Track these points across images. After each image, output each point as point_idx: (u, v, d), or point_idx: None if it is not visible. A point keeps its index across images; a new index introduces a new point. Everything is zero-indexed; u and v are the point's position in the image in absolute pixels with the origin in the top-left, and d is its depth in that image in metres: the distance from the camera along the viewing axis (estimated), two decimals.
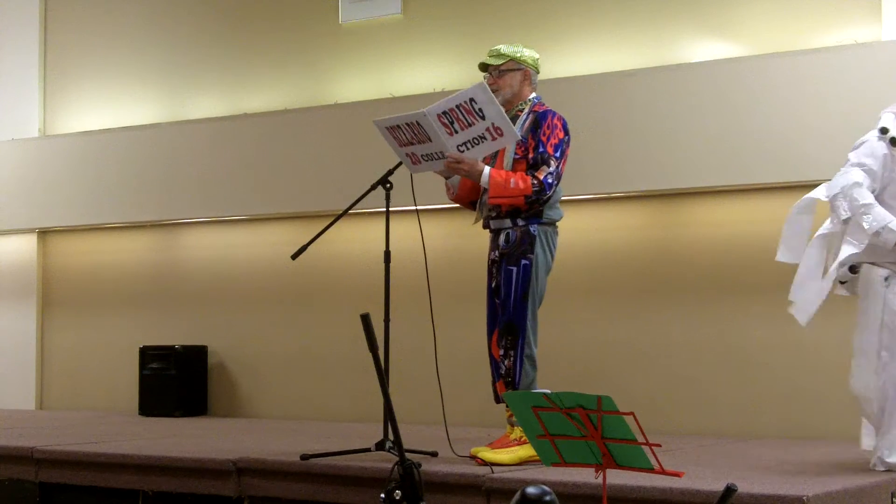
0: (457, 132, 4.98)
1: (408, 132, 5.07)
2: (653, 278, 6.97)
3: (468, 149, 5.03)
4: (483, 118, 4.92)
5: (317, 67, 8.19)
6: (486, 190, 5.14)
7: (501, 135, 4.97)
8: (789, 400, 6.53)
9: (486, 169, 5.06)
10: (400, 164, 5.30)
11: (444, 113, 4.95)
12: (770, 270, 6.63)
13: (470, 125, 4.95)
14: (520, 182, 5.04)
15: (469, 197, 5.33)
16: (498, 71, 5.25)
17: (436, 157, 5.11)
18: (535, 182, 5.03)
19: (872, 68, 6.20)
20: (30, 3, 9.39)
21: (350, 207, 5.48)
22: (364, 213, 7.54)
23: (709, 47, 6.83)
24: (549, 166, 5.06)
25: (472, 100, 4.89)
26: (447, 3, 7.74)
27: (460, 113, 4.93)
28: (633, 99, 6.84)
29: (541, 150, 5.08)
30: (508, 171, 5.09)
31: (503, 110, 4.95)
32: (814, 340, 6.48)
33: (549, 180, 5.06)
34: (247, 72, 8.46)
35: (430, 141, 5.04)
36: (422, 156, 5.14)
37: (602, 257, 7.11)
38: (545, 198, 5.07)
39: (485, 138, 4.98)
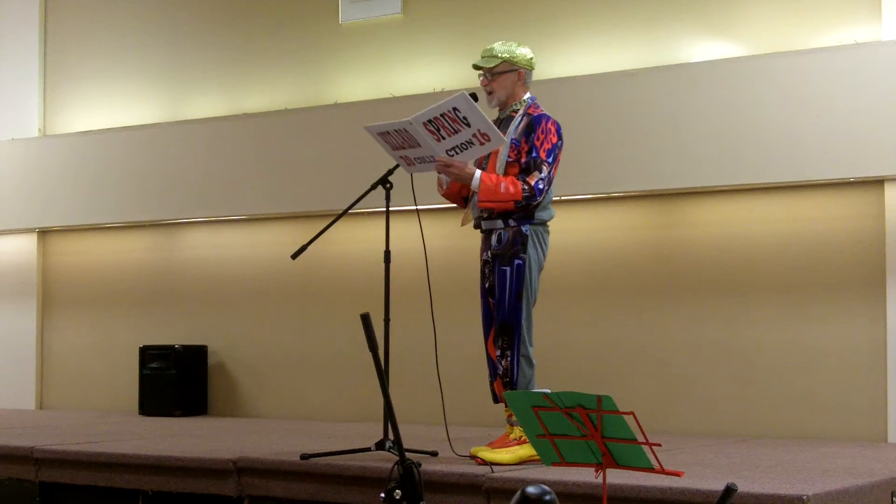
0: (444, 138, 5.00)
1: (397, 137, 5.09)
2: (653, 278, 6.97)
3: (457, 153, 5.04)
4: (468, 125, 4.94)
5: (317, 67, 8.18)
6: (475, 193, 5.15)
7: (489, 140, 4.98)
8: (789, 400, 6.52)
9: (478, 173, 5.06)
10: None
11: (430, 121, 4.96)
12: (770, 271, 6.65)
13: (456, 132, 4.97)
14: (510, 187, 5.03)
15: (460, 193, 5.33)
16: (491, 73, 5.24)
17: (427, 160, 5.13)
18: (526, 187, 5.03)
19: (872, 68, 6.20)
20: (30, 3, 9.38)
21: (350, 207, 5.48)
22: (364, 213, 7.55)
23: (709, 47, 6.83)
24: (540, 172, 5.06)
25: (455, 109, 4.90)
26: (447, 3, 7.74)
27: (445, 121, 4.94)
28: (633, 99, 6.83)
29: (534, 154, 5.08)
30: (499, 176, 5.08)
31: (487, 117, 4.95)
32: (814, 340, 6.48)
33: (541, 186, 5.06)
34: (247, 72, 8.46)
35: (420, 146, 5.06)
36: (415, 158, 5.17)
37: (602, 257, 7.11)
38: (535, 203, 5.08)
39: (472, 143, 5.00)
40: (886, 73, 6.16)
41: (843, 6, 6.48)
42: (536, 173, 5.06)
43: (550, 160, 5.09)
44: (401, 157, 5.21)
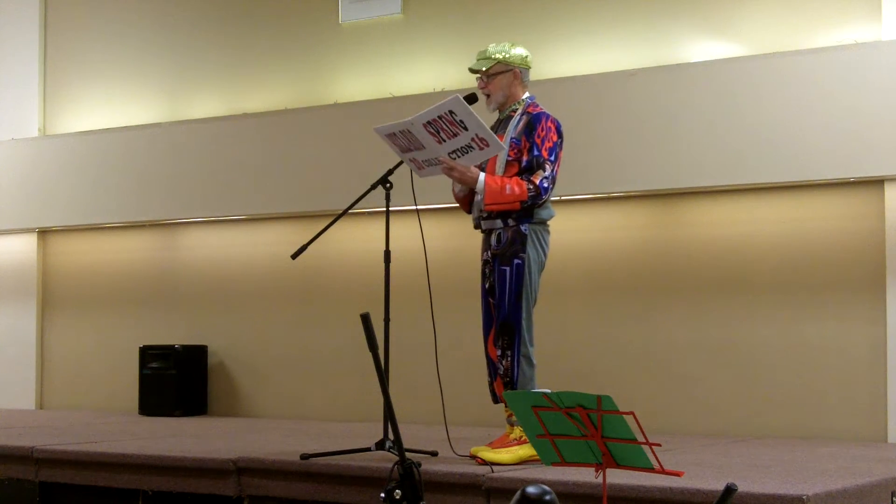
0: (444, 140, 5.00)
1: (404, 139, 5.09)
2: (653, 278, 6.97)
3: (459, 156, 5.05)
4: (466, 129, 4.94)
5: (317, 67, 8.18)
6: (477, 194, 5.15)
7: (487, 145, 4.98)
8: (789, 400, 6.52)
9: (481, 175, 5.06)
10: (400, 163, 5.32)
11: (429, 123, 4.96)
12: (770, 270, 6.65)
13: (455, 135, 4.98)
14: (515, 188, 5.03)
15: (466, 199, 5.34)
16: (487, 75, 5.24)
17: (434, 162, 5.13)
18: (531, 187, 5.03)
19: (872, 68, 6.20)
20: (30, 3, 9.39)
21: (350, 207, 5.48)
22: (364, 213, 7.55)
23: (709, 47, 6.83)
24: (544, 170, 5.06)
25: (451, 112, 4.91)
26: (447, 3, 7.74)
27: (444, 123, 4.95)
28: (633, 99, 6.83)
29: (535, 153, 5.07)
30: (503, 177, 5.08)
31: (483, 122, 4.95)
32: (814, 340, 6.48)
33: (545, 185, 5.05)
34: (247, 72, 8.46)
35: (425, 148, 5.06)
36: (423, 161, 5.16)
37: (602, 257, 7.11)
38: (541, 202, 5.08)
39: (472, 147, 5.01)
40: (886, 73, 6.16)
41: (843, 6, 6.48)
42: (540, 172, 5.05)
43: (553, 158, 5.09)
44: (410, 160, 5.20)
